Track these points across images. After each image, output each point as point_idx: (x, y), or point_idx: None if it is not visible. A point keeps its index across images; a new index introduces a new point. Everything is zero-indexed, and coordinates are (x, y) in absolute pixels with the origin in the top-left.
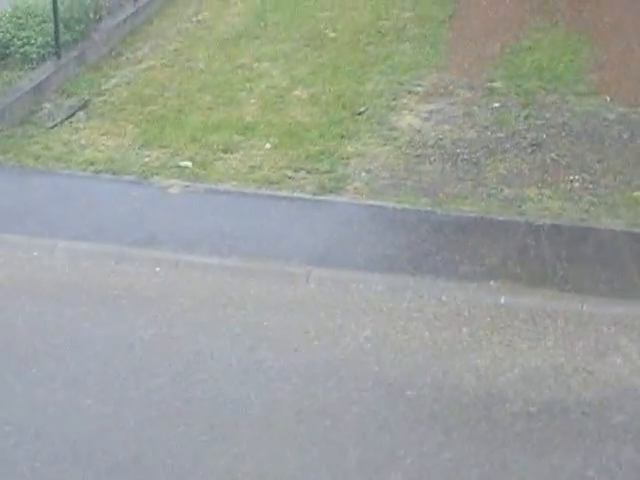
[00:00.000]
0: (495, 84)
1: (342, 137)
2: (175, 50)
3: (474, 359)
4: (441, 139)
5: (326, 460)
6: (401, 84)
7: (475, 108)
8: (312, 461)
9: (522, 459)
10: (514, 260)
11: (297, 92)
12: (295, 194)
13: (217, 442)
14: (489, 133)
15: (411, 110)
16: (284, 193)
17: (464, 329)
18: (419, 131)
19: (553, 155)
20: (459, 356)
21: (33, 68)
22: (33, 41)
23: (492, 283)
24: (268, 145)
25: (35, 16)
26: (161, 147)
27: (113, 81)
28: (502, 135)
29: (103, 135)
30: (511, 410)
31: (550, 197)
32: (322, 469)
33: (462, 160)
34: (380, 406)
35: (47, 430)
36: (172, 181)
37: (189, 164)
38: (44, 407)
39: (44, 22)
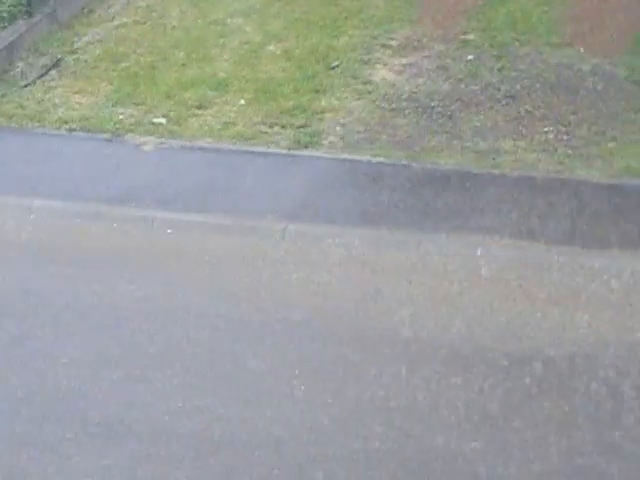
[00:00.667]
0: (468, 36)
1: (316, 92)
2: (147, 7)
3: (451, 311)
4: (415, 92)
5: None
6: (374, 38)
7: (449, 61)
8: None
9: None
10: (489, 212)
11: (271, 47)
12: (270, 149)
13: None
14: (463, 86)
15: (385, 64)
16: (259, 149)
17: (441, 281)
18: (393, 85)
19: (527, 107)
20: (436, 307)
21: (4, 27)
22: (4, 0)
23: (468, 235)
24: (242, 101)
25: None
26: (135, 104)
27: (85, 39)
28: (476, 88)
29: (76, 93)
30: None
31: (525, 149)
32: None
33: (436, 113)
34: (355, 359)
35: (25, 388)
36: (146, 138)
37: (163, 121)
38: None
39: None
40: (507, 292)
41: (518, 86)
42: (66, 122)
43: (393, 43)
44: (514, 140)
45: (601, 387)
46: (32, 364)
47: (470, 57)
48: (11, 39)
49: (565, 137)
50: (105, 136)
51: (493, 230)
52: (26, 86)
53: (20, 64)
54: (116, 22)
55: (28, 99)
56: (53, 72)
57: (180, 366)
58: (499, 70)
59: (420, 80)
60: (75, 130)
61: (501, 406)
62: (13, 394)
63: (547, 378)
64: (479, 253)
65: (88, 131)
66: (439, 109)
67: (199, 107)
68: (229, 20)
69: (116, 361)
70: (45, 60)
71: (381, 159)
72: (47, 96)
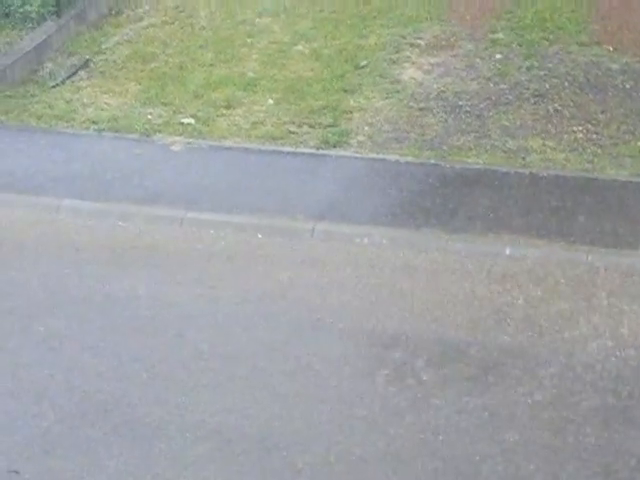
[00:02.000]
0: (497, 35)
1: (345, 91)
2: (176, 7)
3: (477, 311)
4: (444, 92)
5: (334, 415)
6: (403, 37)
7: (478, 60)
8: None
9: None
10: (518, 212)
11: (299, 47)
12: (298, 149)
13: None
14: (492, 85)
15: (413, 63)
16: (287, 148)
17: (468, 281)
18: (422, 84)
19: (556, 106)
20: (461, 307)
21: (33, 28)
22: (33, 0)
23: (497, 235)
24: (271, 100)
25: None
26: (163, 104)
27: (114, 39)
28: (505, 86)
29: (105, 93)
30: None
31: (554, 148)
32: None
33: (465, 112)
34: (371, 361)
35: (54, 388)
36: (175, 138)
37: (192, 121)
38: (52, 366)
39: None
40: (538, 291)
41: (547, 85)
42: (95, 122)
43: (422, 42)
44: (543, 139)
45: None
46: (71, 362)
47: (499, 56)
48: (40, 40)
49: (594, 136)
50: (134, 136)
51: (522, 229)
52: (55, 86)
53: (49, 65)
54: (144, 22)
55: (57, 99)
56: (82, 72)
57: (218, 365)
58: (528, 69)
59: (449, 79)
60: (104, 130)
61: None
62: (50, 391)
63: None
64: (508, 252)
65: (117, 131)
66: (467, 108)
67: (227, 107)
68: (257, 20)
69: (152, 362)
70: (74, 60)
71: (409, 158)
72: (76, 96)
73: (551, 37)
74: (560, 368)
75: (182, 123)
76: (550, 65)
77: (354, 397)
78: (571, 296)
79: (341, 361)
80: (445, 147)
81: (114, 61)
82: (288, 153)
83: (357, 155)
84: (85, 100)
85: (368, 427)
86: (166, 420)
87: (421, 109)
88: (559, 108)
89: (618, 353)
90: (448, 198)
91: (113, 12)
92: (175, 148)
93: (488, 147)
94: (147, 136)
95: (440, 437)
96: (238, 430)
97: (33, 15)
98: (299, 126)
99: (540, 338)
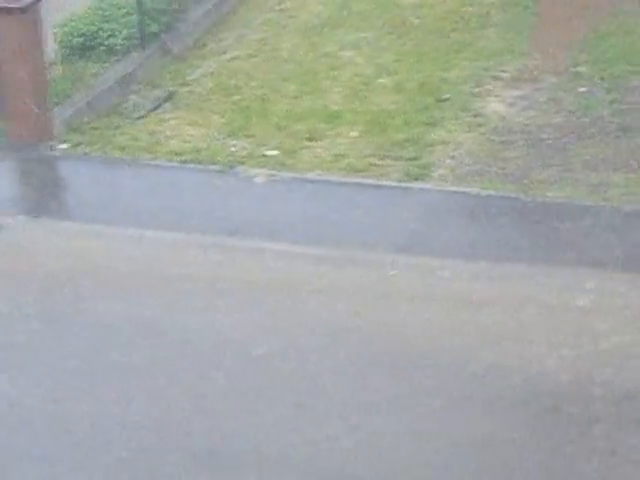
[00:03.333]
0: (580, 69)
1: (427, 124)
2: (260, 40)
3: (556, 346)
4: (526, 125)
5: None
6: (486, 70)
7: (560, 93)
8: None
9: None
10: (599, 246)
11: (382, 80)
12: (380, 182)
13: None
14: (575, 118)
15: (496, 96)
16: (369, 181)
17: (552, 315)
18: (504, 117)
19: (639, 141)
20: (544, 343)
21: (118, 60)
22: (118, 33)
23: (577, 269)
24: (353, 133)
25: (120, 8)
26: (246, 136)
27: (198, 71)
28: (588, 120)
29: (189, 125)
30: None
31: (636, 182)
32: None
33: (547, 146)
34: (455, 396)
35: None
36: (257, 170)
37: (274, 153)
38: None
39: (129, 14)
40: (623, 325)
41: (629, 119)
42: (178, 154)
43: (504, 75)
44: (625, 173)
45: None
46: (150, 393)
47: (582, 89)
48: (125, 72)
49: None
50: (217, 168)
51: (603, 263)
52: (139, 118)
53: (133, 97)
54: (228, 55)
55: (141, 131)
56: (166, 104)
57: (293, 398)
58: (611, 103)
59: (531, 112)
60: (187, 162)
61: None
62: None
63: None
64: (588, 287)
65: (200, 163)
66: (550, 142)
67: (310, 139)
68: (341, 53)
69: (224, 392)
70: (158, 93)
71: (491, 192)
72: (160, 128)
73: (635, 70)
74: None
75: (265, 155)
76: (633, 99)
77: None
78: None
79: (440, 392)
80: (526, 181)
81: (198, 93)
82: (370, 186)
83: (438, 188)
84: (169, 132)
85: None
86: None
87: (503, 142)
88: None
89: None
90: (529, 231)
91: (198, 44)
92: (258, 180)
93: (570, 181)
94: (230, 168)
95: None
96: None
97: (118, 47)
98: (381, 159)
99: None
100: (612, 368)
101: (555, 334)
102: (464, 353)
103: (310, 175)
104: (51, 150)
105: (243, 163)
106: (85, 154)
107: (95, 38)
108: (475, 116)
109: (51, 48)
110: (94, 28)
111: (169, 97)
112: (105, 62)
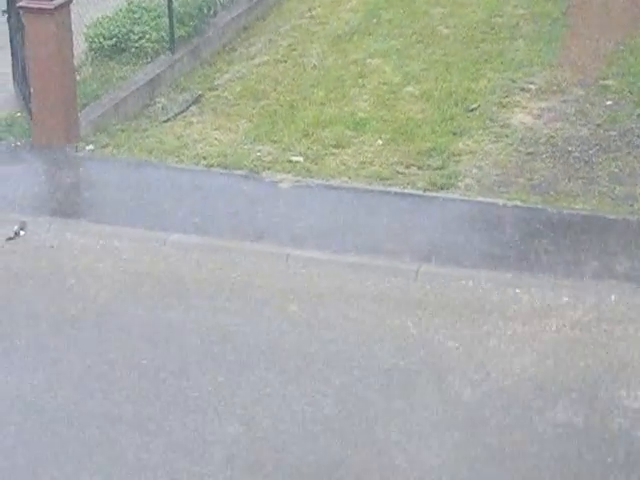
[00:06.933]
0: (608, 82)
1: (454, 134)
2: (288, 46)
3: (581, 357)
4: (553, 137)
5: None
6: (514, 81)
7: (588, 106)
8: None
9: None
10: (624, 259)
11: (409, 88)
12: (406, 190)
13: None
14: (602, 131)
15: (523, 107)
16: (395, 189)
17: (573, 327)
18: (531, 128)
19: None
20: (566, 355)
21: (148, 63)
22: (148, 36)
23: (602, 281)
24: (380, 141)
25: (150, 11)
26: (273, 142)
27: (226, 76)
28: (615, 133)
29: (215, 130)
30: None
31: None
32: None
33: (574, 158)
34: (472, 412)
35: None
36: (283, 176)
37: (300, 159)
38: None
39: (159, 17)
40: None
41: None
42: (204, 158)
43: (532, 87)
44: None
45: None
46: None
47: (609, 102)
48: (153, 75)
49: None
50: (242, 172)
51: (628, 277)
52: (166, 121)
53: (161, 99)
54: (257, 60)
55: (168, 134)
56: (193, 108)
57: (317, 407)
58: (638, 116)
59: (558, 124)
60: (213, 166)
61: None
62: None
63: None
64: (613, 299)
65: (226, 167)
66: (576, 154)
67: (336, 146)
68: (369, 60)
69: (249, 400)
70: (186, 96)
71: (517, 202)
72: (186, 132)
73: None
74: None
75: (291, 161)
76: None
77: None
78: None
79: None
80: (552, 192)
81: (226, 98)
82: (395, 194)
83: (464, 198)
84: (195, 136)
85: None
86: None
87: (530, 154)
88: None
89: None
90: (554, 243)
91: (227, 49)
92: (283, 185)
93: (596, 193)
94: (256, 173)
95: None
96: None
97: (148, 50)
98: (407, 167)
99: None
100: None
101: (571, 344)
102: (478, 360)
103: (335, 182)
104: (77, 151)
105: (269, 168)
106: (112, 156)
107: (126, 40)
108: (502, 127)
109: (81, 49)
110: (125, 30)
111: (196, 101)
112: (135, 64)
